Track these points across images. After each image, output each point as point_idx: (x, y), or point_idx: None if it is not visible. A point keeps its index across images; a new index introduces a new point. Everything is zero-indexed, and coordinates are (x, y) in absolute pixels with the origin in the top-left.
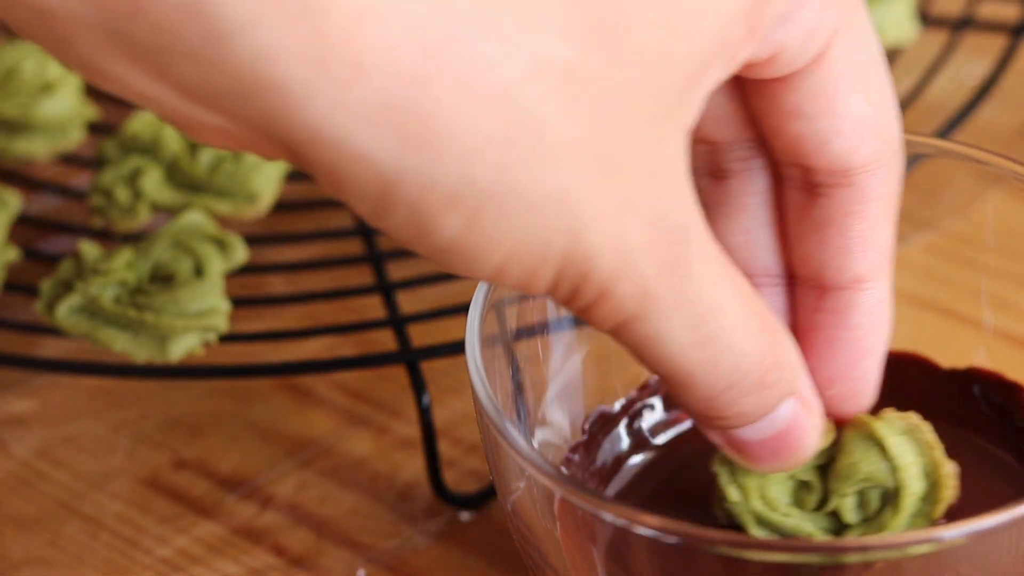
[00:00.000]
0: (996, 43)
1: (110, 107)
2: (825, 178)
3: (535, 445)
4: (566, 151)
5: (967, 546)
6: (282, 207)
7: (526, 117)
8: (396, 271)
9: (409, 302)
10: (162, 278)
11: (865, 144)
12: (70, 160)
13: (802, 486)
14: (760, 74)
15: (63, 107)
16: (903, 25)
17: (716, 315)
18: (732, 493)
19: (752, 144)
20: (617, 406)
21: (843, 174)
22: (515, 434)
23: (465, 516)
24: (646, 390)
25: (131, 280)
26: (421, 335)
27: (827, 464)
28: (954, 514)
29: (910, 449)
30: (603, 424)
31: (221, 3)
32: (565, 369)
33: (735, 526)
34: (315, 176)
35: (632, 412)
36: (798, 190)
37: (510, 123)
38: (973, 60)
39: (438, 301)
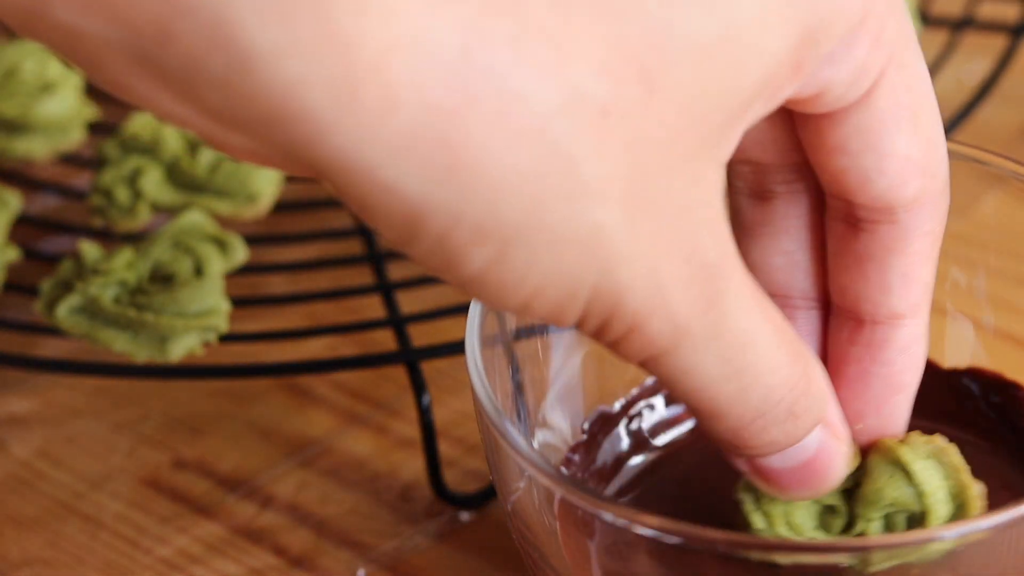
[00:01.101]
0: (996, 43)
1: (110, 107)
2: (868, 214)
3: (535, 445)
4: (598, 189)
5: (967, 546)
6: (282, 207)
7: (558, 153)
8: (396, 271)
9: (409, 302)
10: (162, 278)
11: (910, 184)
12: (70, 160)
13: (827, 510)
14: (805, 109)
15: (63, 107)
16: None
17: (748, 349)
18: (757, 520)
19: (797, 167)
20: (617, 406)
21: (886, 211)
22: (515, 434)
23: (465, 516)
24: (646, 390)
25: (131, 280)
26: (421, 335)
27: (852, 488)
28: None
29: (936, 474)
30: (603, 424)
31: (249, 34)
32: (565, 369)
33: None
34: (344, 201)
35: (632, 412)
36: (841, 222)
37: (542, 159)
38: (973, 60)
39: (438, 301)
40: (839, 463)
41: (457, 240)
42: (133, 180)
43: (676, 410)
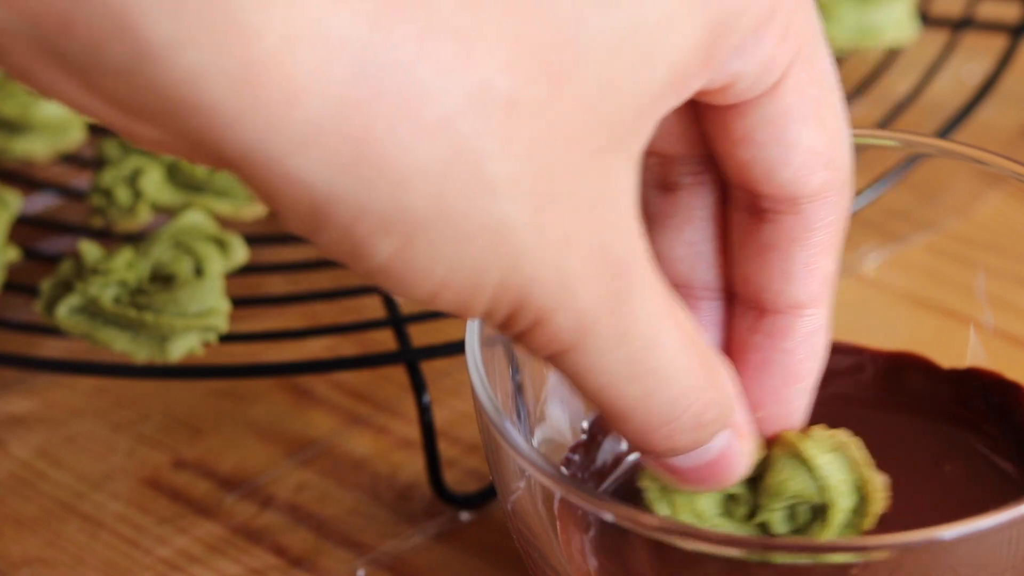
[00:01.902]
0: (996, 43)
1: None
2: (772, 204)
3: (535, 445)
4: (504, 183)
5: (966, 546)
6: None
7: (463, 148)
8: None
9: (409, 302)
10: (162, 278)
11: (814, 175)
12: (70, 160)
13: (731, 499)
14: (712, 100)
15: (63, 107)
16: (903, 25)
17: (654, 351)
18: (662, 509)
19: (703, 159)
20: None
21: (790, 202)
22: (515, 434)
23: (465, 516)
24: None
25: (131, 280)
26: (421, 335)
27: (755, 478)
28: (954, 514)
29: (838, 467)
30: (603, 424)
31: (149, 23)
32: None
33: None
34: (250, 191)
35: None
36: (744, 212)
37: (447, 153)
38: (973, 60)
39: None
40: (741, 463)
41: (362, 231)
42: (133, 180)
43: None
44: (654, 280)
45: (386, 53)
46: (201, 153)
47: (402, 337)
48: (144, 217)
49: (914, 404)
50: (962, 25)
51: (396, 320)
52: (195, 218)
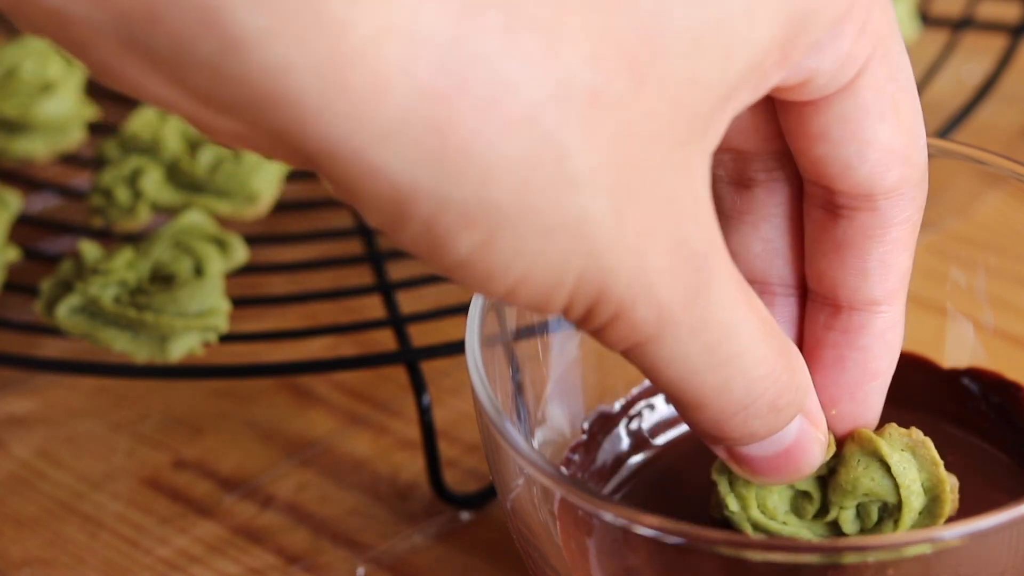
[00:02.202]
0: (996, 43)
1: (110, 107)
2: (848, 201)
3: (535, 445)
4: (586, 177)
5: (967, 546)
6: (282, 207)
7: (547, 141)
8: (396, 271)
9: (409, 302)
10: (162, 278)
11: (890, 172)
12: (70, 160)
13: (801, 496)
14: (789, 96)
15: (63, 107)
16: (903, 25)
17: (732, 340)
18: (731, 503)
19: (778, 156)
20: (617, 406)
21: (866, 199)
22: (515, 434)
23: (465, 516)
24: (646, 390)
25: (131, 280)
26: (421, 335)
27: (827, 475)
28: (955, 515)
29: (912, 466)
30: (603, 424)
31: (237, 17)
32: (565, 369)
33: (732, 528)
34: (331, 186)
35: (632, 412)
36: (820, 208)
37: (530, 146)
38: (973, 60)
39: (438, 301)
40: (816, 452)
41: (444, 225)
42: (133, 180)
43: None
44: (732, 271)
45: (471, 46)
46: (283, 147)
47: (402, 337)
48: (144, 217)
49: (914, 404)
50: (962, 25)
51: (396, 320)
52: (195, 218)
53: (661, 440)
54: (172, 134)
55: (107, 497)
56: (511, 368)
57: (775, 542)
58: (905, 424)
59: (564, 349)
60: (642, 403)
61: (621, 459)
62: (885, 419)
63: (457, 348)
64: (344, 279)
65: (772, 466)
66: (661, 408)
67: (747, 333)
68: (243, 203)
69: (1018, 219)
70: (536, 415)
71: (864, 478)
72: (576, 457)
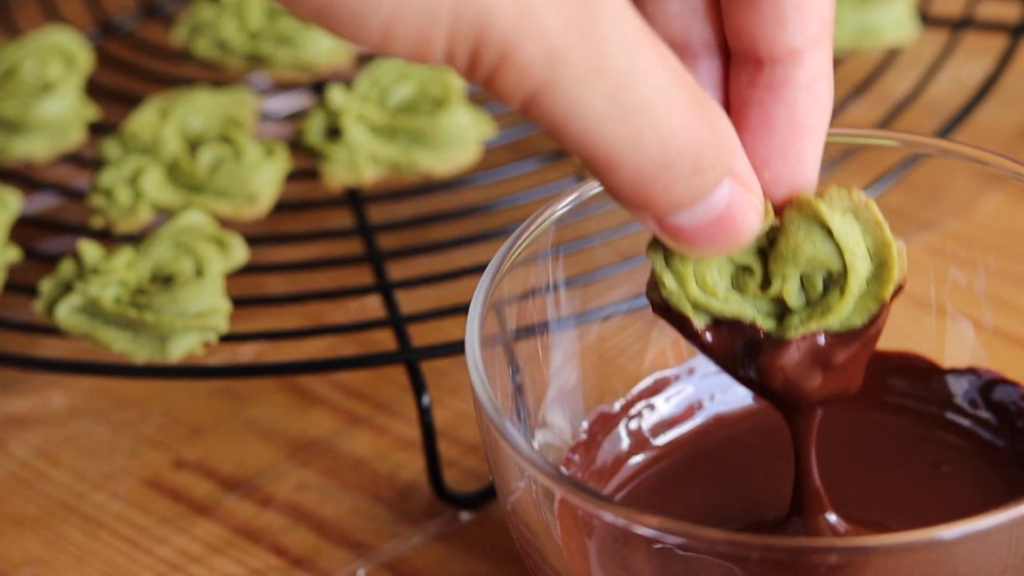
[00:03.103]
0: (996, 43)
1: (110, 107)
2: None
3: (535, 445)
4: None
5: (966, 546)
6: (282, 207)
7: None
8: (396, 271)
9: (409, 302)
10: (162, 278)
11: None
12: (70, 160)
13: (742, 271)
14: None
15: (63, 107)
16: (903, 25)
17: (636, 85)
18: (667, 280)
19: None
20: (617, 406)
21: None
22: (515, 434)
23: (465, 516)
24: (646, 391)
25: (131, 280)
26: (421, 335)
27: (768, 247)
28: (954, 514)
29: (856, 228)
30: (603, 424)
31: None
32: (565, 369)
33: (673, 313)
34: None
35: (632, 412)
36: None
37: None
38: (973, 60)
39: (438, 301)
40: (751, 217)
41: None
42: (133, 180)
43: (676, 410)
44: (625, 7)
45: None
46: None
47: (402, 337)
48: (144, 217)
49: (914, 404)
50: (962, 25)
51: (396, 320)
52: (195, 218)
53: (661, 440)
54: (172, 134)
55: (107, 497)
56: (511, 368)
57: (775, 542)
58: (904, 426)
59: (564, 349)
60: (642, 403)
61: (621, 459)
62: (882, 425)
63: (457, 348)
64: (344, 279)
65: (707, 236)
66: (661, 408)
67: (653, 79)
68: (243, 203)
69: (1018, 219)
70: (536, 415)
71: (805, 244)
72: (576, 457)
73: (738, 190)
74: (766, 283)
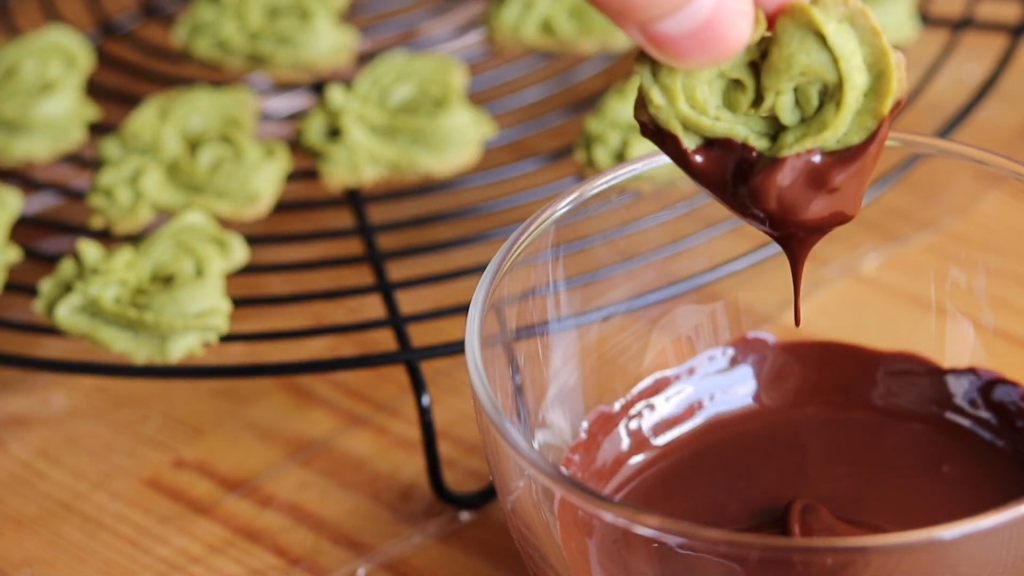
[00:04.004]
0: (996, 43)
1: (110, 107)
2: None
3: (535, 445)
4: None
5: (966, 546)
6: (282, 207)
7: None
8: (396, 271)
9: (409, 302)
10: (162, 278)
11: None
12: (70, 160)
13: (733, 86)
14: None
15: (63, 107)
16: (903, 25)
17: None
18: (655, 95)
19: None
20: (617, 406)
21: None
22: (515, 434)
23: (465, 516)
24: (645, 391)
25: (131, 280)
26: (421, 335)
27: (760, 60)
28: (954, 514)
29: (852, 37)
30: (603, 424)
31: None
32: (565, 369)
33: (662, 133)
34: None
35: (632, 412)
36: None
37: None
38: (973, 60)
39: (438, 301)
40: (740, 23)
41: None
42: (133, 180)
43: (676, 410)
44: None
45: None
46: None
47: (402, 337)
48: (144, 217)
49: (915, 405)
50: (962, 25)
51: (396, 320)
52: (195, 218)
53: (661, 440)
54: (172, 134)
55: (107, 497)
56: (511, 368)
57: (774, 542)
58: (904, 426)
59: (564, 349)
60: (642, 403)
61: (621, 459)
62: (882, 425)
63: (457, 348)
64: (344, 279)
65: (694, 44)
66: (661, 408)
67: None
68: (243, 203)
69: (1018, 219)
70: (536, 415)
71: (799, 54)
72: (576, 457)
73: None
74: (759, 100)
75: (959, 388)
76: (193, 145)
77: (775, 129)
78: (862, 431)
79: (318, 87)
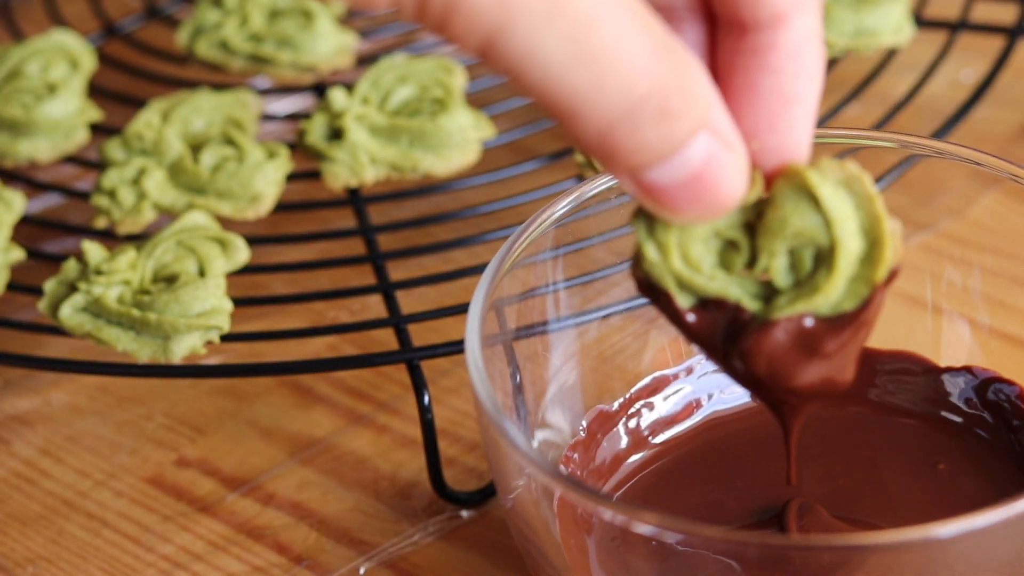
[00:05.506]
0: (993, 44)
1: (113, 108)
2: None
3: (535, 444)
4: None
5: (963, 544)
6: (283, 208)
7: None
8: (396, 271)
9: (409, 302)
10: (165, 278)
11: None
12: (74, 161)
13: (728, 246)
14: None
15: (67, 108)
16: (900, 27)
17: (596, 27)
18: (649, 251)
19: None
20: (616, 405)
21: None
22: (515, 433)
23: (465, 514)
24: (644, 390)
25: (134, 280)
26: (421, 335)
27: (756, 221)
28: (951, 513)
29: (847, 201)
30: (602, 423)
31: None
32: (564, 368)
33: (656, 290)
34: None
35: (631, 411)
36: None
37: None
38: (969, 61)
39: (438, 301)
40: (733, 177)
41: None
42: (136, 181)
43: (675, 409)
44: None
45: None
46: None
47: (403, 337)
48: (147, 218)
49: (911, 403)
50: (959, 27)
51: (397, 320)
52: (197, 219)
53: (660, 439)
54: (174, 135)
55: (110, 495)
56: (511, 368)
57: (772, 540)
58: (901, 425)
59: (564, 349)
60: (641, 402)
61: (620, 458)
62: (878, 424)
63: (457, 348)
64: (345, 279)
65: (686, 196)
66: (660, 407)
67: (614, 22)
68: (245, 204)
69: (1014, 219)
70: (536, 414)
71: (793, 215)
72: (575, 456)
73: (716, 146)
74: (753, 261)
75: (955, 387)
76: (195, 146)
77: (769, 292)
78: (859, 430)
79: (319, 89)
